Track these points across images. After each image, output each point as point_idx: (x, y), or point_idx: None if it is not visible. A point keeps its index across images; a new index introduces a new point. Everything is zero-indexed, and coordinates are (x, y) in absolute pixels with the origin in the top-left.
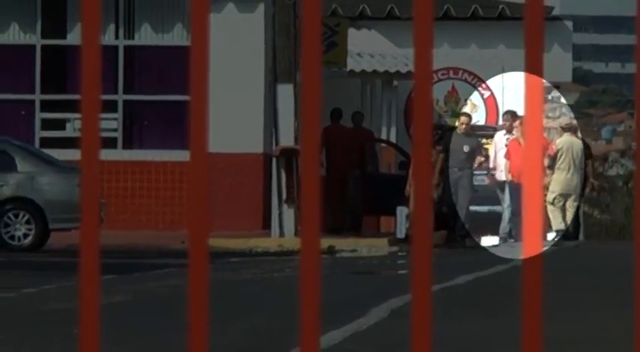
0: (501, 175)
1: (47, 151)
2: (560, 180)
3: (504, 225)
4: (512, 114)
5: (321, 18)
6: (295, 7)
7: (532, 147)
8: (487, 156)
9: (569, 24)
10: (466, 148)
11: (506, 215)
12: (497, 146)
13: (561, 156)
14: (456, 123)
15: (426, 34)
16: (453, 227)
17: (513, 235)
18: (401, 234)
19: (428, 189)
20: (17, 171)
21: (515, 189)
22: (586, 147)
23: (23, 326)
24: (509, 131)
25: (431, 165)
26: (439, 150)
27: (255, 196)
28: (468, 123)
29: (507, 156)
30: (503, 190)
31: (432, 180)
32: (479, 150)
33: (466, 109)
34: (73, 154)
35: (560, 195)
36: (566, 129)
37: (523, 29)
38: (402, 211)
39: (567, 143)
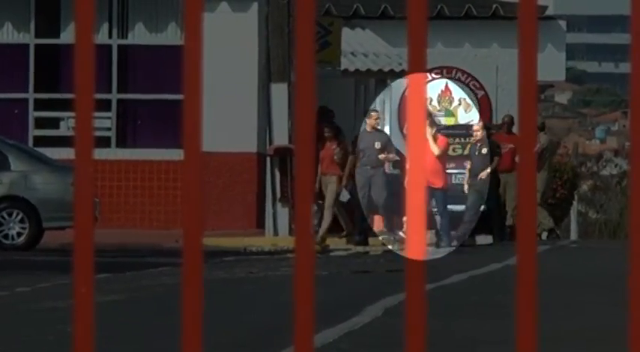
0: None
1: (41, 150)
2: (542, 178)
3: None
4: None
5: (315, 17)
6: (289, 7)
7: (526, 147)
8: (398, 153)
9: (563, 23)
10: (377, 145)
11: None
12: None
13: (544, 155)
14: (366, 120)
15: (419, 33)
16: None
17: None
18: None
19: (421, 188)
20: (11, 169)
21: (427, 190)
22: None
23: (17, 325)
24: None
25: (424, 164)
26: (350, 151)
27: (249, 195)
28: (377, 119)
29: None
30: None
31: (424, 179)
32: (389, 145)
33: (375, 106)
34: (66, 153)
35: (544, 193)
36: (541, 128)
37: (517, 28)
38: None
39: (548, 142)
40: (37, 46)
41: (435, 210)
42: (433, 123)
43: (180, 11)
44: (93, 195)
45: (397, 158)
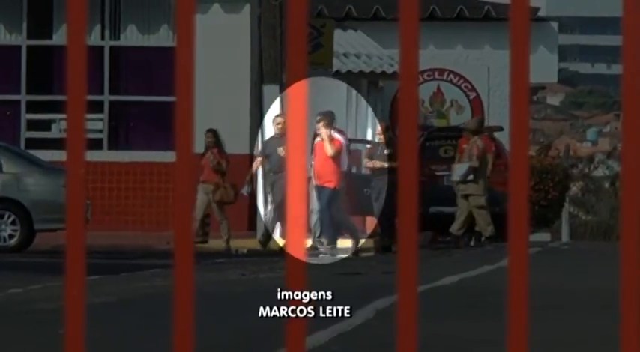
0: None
1: (33, 152)
2: (486, 182)
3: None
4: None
5: (307, 19)
6: (281, 8)
7: (517, 149)
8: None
9: (555, 25)
10: (281, 151)
11: (312, 219)
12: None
13: (485, 159)
14: (273, 125)
15: (411, 35)
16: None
17: (321, 239)
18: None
19: (414, 190)
20: (3, 171)
21: (320, 192)
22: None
23: (9, 327)
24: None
25: (417, 166)
26: (259, 154)
27: (240, 197)
28: (283, 124)
29: (314, 159)
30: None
31: (417, 181)
32: None
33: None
34: (58, 155)
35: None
36: (478, 131)
37: (509, 30)
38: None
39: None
40: (29, 47)
41: (317, 209)
42: (330, 124)
43: (173, 13)
44: (84, 197)
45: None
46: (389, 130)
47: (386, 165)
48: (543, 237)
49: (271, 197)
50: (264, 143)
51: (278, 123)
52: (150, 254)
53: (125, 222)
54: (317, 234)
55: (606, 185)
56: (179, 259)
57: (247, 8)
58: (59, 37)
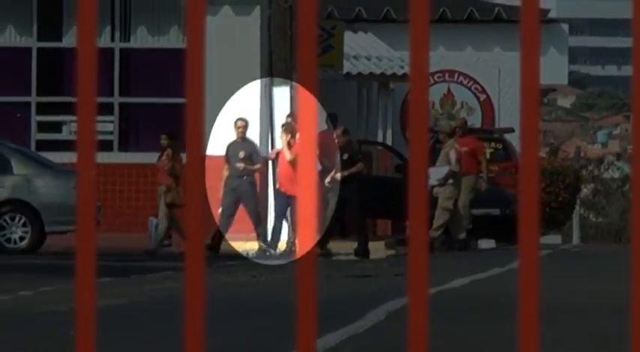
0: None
1: (43, 154)
2: (456, 186)
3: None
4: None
5: (317, 20)
6: (292, 10)
7: (528, 151)
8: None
9: (566, 27)
10: (241, 154)
11: (270, 223)
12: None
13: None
14: (233, 129)
15: (422, 37)
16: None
17: (271, 244)
18: (152, 244)
19: (423, 192)
20: (13, 173)
21: (277, 198)
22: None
23: (20, 329)
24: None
25: (427, 168)
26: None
27: None
28: (244, 128)
29: (277, 163)
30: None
31: (426, 183)
32: (256, 155)
33: (242, 115)
34: (69, 157)
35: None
36: (451, 134)
37: (519, 32)
38: (151, 222)
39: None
40: (39, 49)
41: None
42: (288, 130)
43: (183, 15)
44: (95, 198)
45: (258, 168)
46: (347, 134)
47: (346, 173)
48: (554, 239)
49: (233, 202)
50: (227, 147)
51: (239, 127)
52: (160, 256)
53: (136, 224)
54: (270, 238)
55: (616, 187)
56: (190, 261)
57: (257, 10)
58: (69, 39)
